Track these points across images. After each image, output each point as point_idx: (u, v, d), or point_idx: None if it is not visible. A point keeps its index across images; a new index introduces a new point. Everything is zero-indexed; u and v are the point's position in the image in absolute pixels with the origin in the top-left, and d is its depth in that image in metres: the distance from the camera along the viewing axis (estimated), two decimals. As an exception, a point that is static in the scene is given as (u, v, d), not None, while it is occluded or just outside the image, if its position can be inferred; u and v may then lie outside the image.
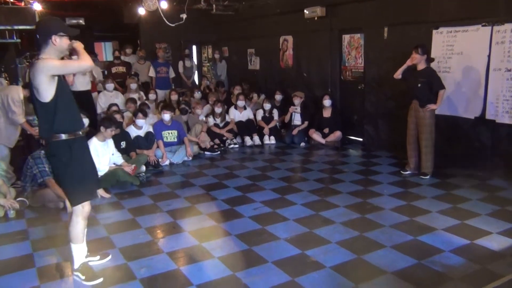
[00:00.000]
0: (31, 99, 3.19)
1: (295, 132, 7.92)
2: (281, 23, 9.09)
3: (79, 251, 3.39)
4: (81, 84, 7.69)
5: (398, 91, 6.37)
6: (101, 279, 3.38)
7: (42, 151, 4.97)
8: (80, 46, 3.28)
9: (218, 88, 9.68)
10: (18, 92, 5.49)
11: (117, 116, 6.42)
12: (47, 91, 3.07)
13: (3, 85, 7.05)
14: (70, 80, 3.68)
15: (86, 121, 6.05)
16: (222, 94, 9.56)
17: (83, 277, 3.35)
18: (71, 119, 3.23)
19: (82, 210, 3.32)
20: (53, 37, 3.09)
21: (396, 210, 4.61)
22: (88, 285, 3.32)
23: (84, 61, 3.19)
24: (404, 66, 5.65)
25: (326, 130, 7.68)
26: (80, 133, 3.30)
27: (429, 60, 5.55)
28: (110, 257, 3.70)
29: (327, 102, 7.67)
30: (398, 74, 5.73)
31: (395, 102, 6.77)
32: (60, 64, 3.12)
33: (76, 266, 3.39)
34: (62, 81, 3.18)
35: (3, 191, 4.74)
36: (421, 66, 5.49)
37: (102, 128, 5.49)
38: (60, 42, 3.12)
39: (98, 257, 3.64)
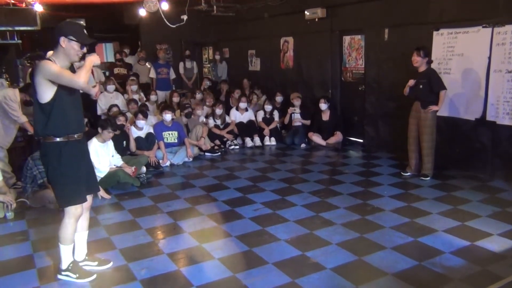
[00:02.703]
0: (33, 98, 3.17)
1: (295, 122, 7.94)
2: (281, 24, 9.10)
3: (68, 252, 3.36)
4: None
5: (398, 92, 6.36)
6: (94, 276, 3.38)
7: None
8: (90, 61, 3.12)
9: (221, 85, 9.73)
10: (15, 93, 5.53)
11: (121, 118, 6.41)
12: (44, 93, 3.06)
13: (4, 86, 7.07)
14: (96, 90, 3.55)
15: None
16: (224, 93, 9.59)
17: (75, 276, 3.34)
18: (65, 123, 3.15)
19: (74, 212, 3.26)
20: (62, 38, 3.05)
21: (396, 212, 4.60)
22: (82, 283, 3.32)
23: (78, 78, 3.02)
24: (410, 84, 5.62)
25: (334, 134, 7.66)
26: (76, 136, 3.22)
27: (429, 61, 5.56)
28: (111, 264, 3.59)
29: (323, 106, 7.66)
30: (406, 91, 5.71)
31: (396, 103, 6.77)
32: (56, 71, 3.01)
33: (64, 266, 3.36)
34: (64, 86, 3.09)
35: (3, 192, 4.74)
36: (422, 68, 5.50)
37: (99, 129, 5.51)
38: (68, 45, 3.07)
39: (96, 262, 3.56)
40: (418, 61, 5.46)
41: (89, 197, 3.48)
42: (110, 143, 5.67)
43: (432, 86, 5.42)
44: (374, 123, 7.39)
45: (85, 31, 3.19)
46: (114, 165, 5.66)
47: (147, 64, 9.85)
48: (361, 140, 7.81)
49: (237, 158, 7.17)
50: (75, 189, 3.25)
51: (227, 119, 8.08)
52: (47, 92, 3.06)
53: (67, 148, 3.18)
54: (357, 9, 7.33)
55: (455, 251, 3.68)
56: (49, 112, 3.09)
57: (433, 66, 5.65)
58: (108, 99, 7.94)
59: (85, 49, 3.18)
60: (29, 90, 4.97)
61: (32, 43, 11.17)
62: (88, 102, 7.75)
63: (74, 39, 3.07)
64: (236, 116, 8.17)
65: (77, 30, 3.13)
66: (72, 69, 3.28)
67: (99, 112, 7.92)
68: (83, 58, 3.22)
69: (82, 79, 3.03)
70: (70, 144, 3.20)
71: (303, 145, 7.81)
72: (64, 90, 3.11)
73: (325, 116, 7.76)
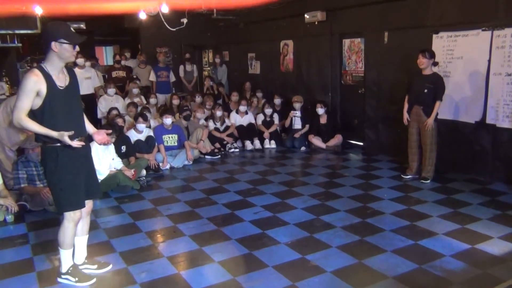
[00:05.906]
0: None
1: (297, 135, 7.93)
2: (281, 27, 9.12)
3: (68, 256, 3.35)
4: (87, 88, 7.82)
5: (398, 95, 6.37)
6: (94, 279, 3.38)
7: (23, 157, 4.97)
8: (54, 135, 3.01)
9: (219, 88, 9.77)
10: None
11: (119, 121, 6.45)
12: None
13: (4, 89, 7.08)
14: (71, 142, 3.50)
15: None
16: (222, 96, 9.61)
17: (75, 279, 3.33)
18: (62, 129, 3.06)
19: (73, 217, 3.24)
20: (53, 43, 3.00)
21: (396, 215, 4.60)
22: (82, 286, 3.33)
23: (19, 114, 2.95)
24: (406, 109, 5.70)
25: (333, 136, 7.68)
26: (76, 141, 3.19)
27: (434, 64, 5.52)
28: (110, 267, 3.59)
29: (320, 110, 7.69)
30: (405, 120, 5.75)
31: (396, 106, 6.75)
32: (21, 88, 2.98)
33: (64, 270, 3.36)
34: (54, 90, 3.03)
35: (3, 195, 4.73)
36: (428, 71, 5.44)
37: None
38: (60, 49, 3.02)
39: (95, 266, 3.55)
40: (424, 62, 5.39)
41: (90, 202, 3.46)
42: (111, 146, 5.68)
43: (436, 93, 5.39)
44: (374, 126, 7.39)
45: (73, 30, 3.13)
46: (114, 168, 5.67)
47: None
48: (361, 143, 7.80)
49: (237, 161, 7.16)
50: (73, 195, 3.21)
51: (227, 122, 8.09)
52: (34, 100, 3.01)
53: (65, 152, 3.13)
54: (357, 13, 7.35)
55: (455, 254, 3.68)
56: (41, 118, 3.05)
57: (433, 69, 5.64)
58: (108, 102, 7.96)
59: (77, 48, 3.14)
60: None
61: (32, 46, 11.18)
62: (88, 105, 7.78)
63: (65, 41, 3.02)
64: (236, 119, 8.18)
65: (65, 31, 3.06)
66: (72, 72, 3.27)
67: (99, 115, 7.95)
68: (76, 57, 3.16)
69: (20, 121, 2.96)
70: (69, 149, 3.14)
71: (303, 148, 7.81)
72: (55, 97, 3.04)
73: (323, 120, 7.77)
